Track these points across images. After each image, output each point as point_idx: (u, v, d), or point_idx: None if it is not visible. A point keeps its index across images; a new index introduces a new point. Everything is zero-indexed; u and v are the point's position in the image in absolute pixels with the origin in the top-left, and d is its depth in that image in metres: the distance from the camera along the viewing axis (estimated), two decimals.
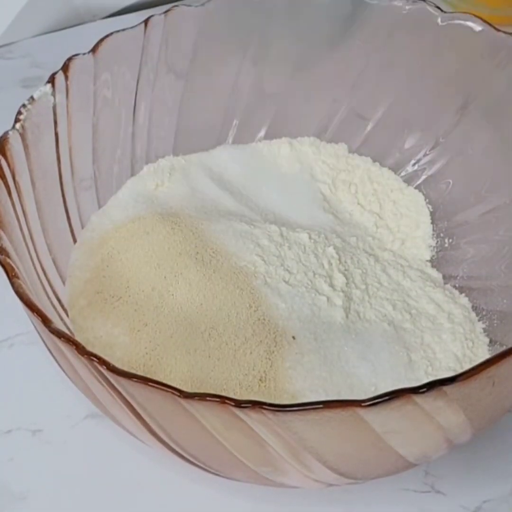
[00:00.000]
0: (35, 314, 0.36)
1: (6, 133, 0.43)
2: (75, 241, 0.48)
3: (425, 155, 0.53)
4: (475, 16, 0.50)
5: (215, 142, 0.54)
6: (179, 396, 0.32)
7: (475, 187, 0.50)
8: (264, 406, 0.32)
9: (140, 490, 0.43)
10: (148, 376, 0.34)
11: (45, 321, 0.35)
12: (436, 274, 0.49)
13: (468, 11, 0.51)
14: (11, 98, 0.50)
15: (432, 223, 0.51)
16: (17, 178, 0.43)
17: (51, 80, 0.46)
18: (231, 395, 0.33)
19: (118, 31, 0.49)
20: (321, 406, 0.32)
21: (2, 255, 0.38)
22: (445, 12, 0.50)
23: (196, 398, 0.32)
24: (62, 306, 0.45)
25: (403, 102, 0.53)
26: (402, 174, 0.53)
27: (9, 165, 0.42)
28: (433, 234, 0.51)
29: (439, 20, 0.50)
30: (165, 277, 0.45)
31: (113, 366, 0.33)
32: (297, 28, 0.53)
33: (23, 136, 0.44)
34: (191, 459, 0.37)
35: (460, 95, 0.51)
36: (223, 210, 0.50)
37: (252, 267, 0.45)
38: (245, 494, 0.42)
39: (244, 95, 0.54)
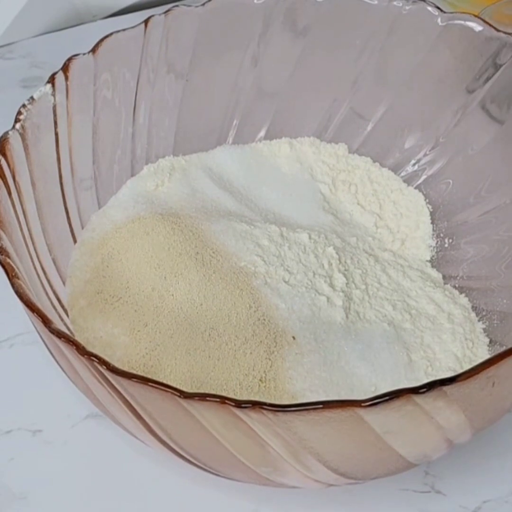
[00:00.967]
0: (35, 314, 0.36)
1: (6, 133, 0.43)
2: (75, 241, 0.48)
3: (425, 155, 0.53)
4: (475, 16, 0.50)
5: (215, 142, 0.54)
6: (179, 396, 0.32)
7: (475, 187, 0.50)
8: (264, 406, 0.32)
9: (140, 490, 0.43)
10: (148, 376, 0.34)
11: (45, 321, 0.35)
12: (436, 274, 0.49)
13: (468, 11, 0.51)
14: (11, 98, 0.50)
15: (432, 223, 0.51)
16: (17, 178, 0.43)
17: (51, 80, 0.46)
18: (231, 395, 0.33)
19: (118, 31, 0.49)
20: (321, 406, 0.32)
21: (2, 255, 0.38)
22: (445, 12, 0.50)
23: (196, 398, 0.32)
24: (62, 306, 0.45)
25: (403, 102, 0.53)
26: (402, 174, 0.53)
27: (9, 165, 0.42)
28: (433, 234, 0.51)
29: (439, 20, 0.50)
30: (165, 277, 0.45)
31: (113, 366, 0.33)
32: (297, 28, 0.53)
33: (23, 136, 0.44)
34: (191, 459, 0.37)
35: (460, 95, 0.51)
36: (223, 210, 0.50)
37: (252, 267, 0.45)
38: (245, 494, 0.42)
39: (244, 95, 0.54)
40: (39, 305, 0.37)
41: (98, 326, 0.44)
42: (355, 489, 0.41)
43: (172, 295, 0.44)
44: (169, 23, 0.50)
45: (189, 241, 0.46)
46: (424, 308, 0.46)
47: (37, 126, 0.45)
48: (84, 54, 0.48)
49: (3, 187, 0.41)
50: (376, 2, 0.52)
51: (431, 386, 0.32)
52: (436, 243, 0.50)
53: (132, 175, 0.52)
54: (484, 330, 0.45)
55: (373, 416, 0.32)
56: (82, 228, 0.49)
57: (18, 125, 0.44)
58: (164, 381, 0.33)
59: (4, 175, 0.42)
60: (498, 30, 0.49)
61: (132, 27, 0.50)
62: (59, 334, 0.35)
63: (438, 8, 0.50)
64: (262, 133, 0.55)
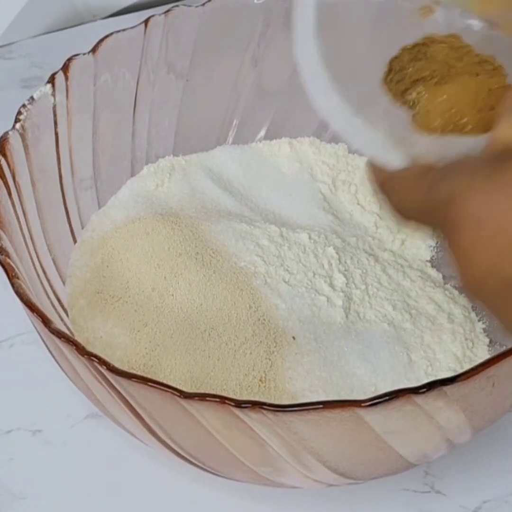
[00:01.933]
0: (35, 314, 0.36)
1: (6, 133, 0.43)
2: (75, 241, 0.48)
3: None
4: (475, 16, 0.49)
5: (215, 142, 0.54)
6: (179, 396, 0.32)
7: None
8: (264, 406, 0.32)
9: (140, 490, 0.43)
10: (148, 376, 0.34)
11: (45, 321, 0.35)
12: (436, 274, 0.49)
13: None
14: (11, 98, 0.50)
15: None
16: (17, 178, 0.43)
17: (51, 80, 0.46)
18: (231, 395, 0.33)
19: (118, 31, 0.49)
20: (321, 406, 0.32)
21: (2, 255, 0.38)
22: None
23: (196, 398, 0.32)
24: (62, 306, 0.45)
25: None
26: None
27: (9, 165, 0.42)
28: (433, 234, 0.51)
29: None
30: (165, 277, 0.45)
31: (113, 366, 0.33)
32: None
33: (23, 136, 0.44)
34: (191, 459, 0.37)
35: None
36: (223, 210, 0.50)
37: (252, 268, 0.45)
38: (245, 494, 0.42)
39: (244, 95, 0.54)
40: (39, 305, 0.37)
41: (98, 326, 0.44)
42: (355, 489, 0.41)
43: (172, 295, 0.44)
44: (169, 23, 0.50)
45: (189, 241, 0.46)
46: (424, 308, 0.46)
47: (37, 126, 0.45)
48: (84, 54, 0.48)
49: (3, 187, 0.41)
50: (375, 2, 0.52)
51: (431, 386, 0.32)
52: (436, 243, 0.50)
53: (132, 175, 0.52)
54: (484, 330, 0.45)
55: (373, 416, 0.32)
56: (82, 228, 0.49)
57: (18, 125, 0.44)
58: (164, 381, 0.33)
59: (4, 175, 0.42)
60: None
61: (132, 27, 0.50)
62: (59, 334, 0.35)
63: None
64: (262, 133, 0.55)
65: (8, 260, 0.38)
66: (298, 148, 0.54)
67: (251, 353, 0.42)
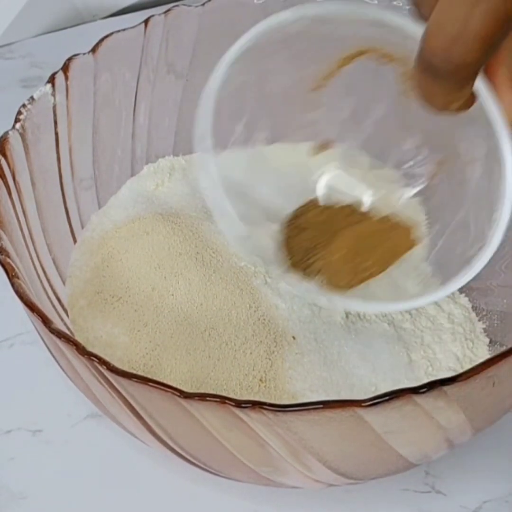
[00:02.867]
0: (35, 314, 0.36)
1: (6, 133, 0.43)
2: (75, 241, 0.48)
3: (425, 155, 0.53)
4: None
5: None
6: (179, 396, 0.32)
7: None
8: (264, 406, 0.32)
9: (140, 490, 0.43)
10: (148, 376, 0.34)
11: (45, 321, 0.35)
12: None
13: None
14: (11, 98, 0.50)
15: (432, 223, 0.51)
16: (17, 178, 0.43)
17: (51, 80, 0.46)
18: (231, 395, 0.33)
19: (118, 31, 0.49)
20: (321, 406, 0.32)
21: (2, 255, 0.38)
22: None
23: (196, 398, 0.32)
24: (62, 306, 0.45)
25: (403, 102, 0.53)
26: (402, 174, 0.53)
27: (9, 165, 0.42)
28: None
29: None
30: (165, 277, 0.45)
31: (113, 366, 0.33)
32: None
33: (23, 136, 0.44)
34: (191, 459, 0.37)
35: None
36: None
37: (252, 267, 0.45)
38: (245, 494, 0.42)
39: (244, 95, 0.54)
40: (39, 305, 0.37)
41: (98, 326, 0.44)
42: (355, 489, 0.41)
43: (172, 295, 0.44)
44: (169, 23, 0.50)
45: (189, 241, 0.46)
46: (424, 308, 0.46)
47: (37, 126, 0.45)
48: (84, 54, 0.48)
49: (3, 187, 0.41)
50: (376, 1, 0.52)
51: (431, 386, 0.32)
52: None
53: (132, 175, 0.52)
54: (484, 330, 0.45)
55: (373, 416, 0.32)
56: (82, 228, 0.49)
57: (18, 125, 0.44)
58: (164, 381, 0.33)
59: (4, 175, 0.42)
60: None
61: (132, 27, 0.50)
62: (59, 334, 0.35)
63: None
64: (262, 133, 0.55)
65: (8, 260, 0.38)
66: (298, 148, 0.54)
67: (251, 353, 0.42)
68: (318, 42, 0.39)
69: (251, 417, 0.32)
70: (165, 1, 0.72)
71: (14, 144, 0.43)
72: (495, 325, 0.45)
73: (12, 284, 0.37)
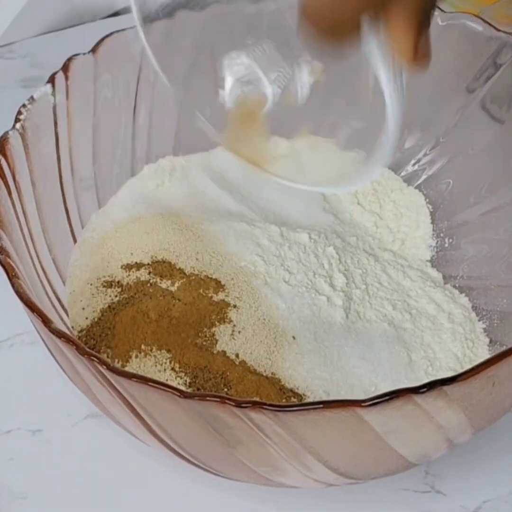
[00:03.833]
0: (35, 314, 0.36)
1: (6, 133, 0.43)
2: (75, 241, 0.48)
3: (425, 155, 0.53)
4: (475, 16, 0.50)
5: (215, 142, 0.54)
6: (179, 396, 0.32)
7: (475, 187, 0.50)
8: (264, 406, 0.32)
9: (140, 490, 0.43)
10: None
11: (45, 321, 0.35)
12: (436, 274, 0.49)
13: (468, 11, 0.51)
14: (11, 98, 0.50)
15: (432, 223, 0.51)
16: (17, 178, 0.43)
17: (51, 80, 0.46)
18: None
19: (118, 31, 0.49)
20: (321, 406, 0.32)
21: (2, 255, 0.38)
22: (445, 12, 0.50)
23: (196, 398, 0.32)
24: (62, 306, 0.45)
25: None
26: (402, 174, 0.53)
27: (9, 165, 0.42)
28: (433, 234, 0.51)
29: (439, 20, 0.50)
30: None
31: (113, 366, 0.33)
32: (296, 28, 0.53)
33: (23, 136, 0.44)
34: (191, 459, 0.37)
35: (460, 95, 0.51)
36: (223, 210, 0.50)
37: (252, 267, 0.45)
38: (245, 494, 0.42)
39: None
40: (39, 305, 0.37)
41: None
42: (355, 489, 0.41)
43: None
44: (169, 23, 0.50)
45: (189, 241, 0.46)
46: (424, 308, 0.46)
47: (37, 126, 0.45)
48: (84, 54, 0.48)
49: (3, 187, 0.41)
50: None
51: (431, 386, 0.32)
52: (436, 243, 0.50)
53: (132, 175, 0.52)
54: (484, 330, 0.45)
55: (373, 416, 0.32)
56: (82, 228, 0.49)
57: (18, 125, 0.44)
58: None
59: (4, 175, 0.42)
60: (498, 30, 0.49)
61: (132, 27, 0.50)
62: (59, 334, 0.35)
63: (439, 7, 0.50)
64: None
65: (8, 260, 0.38)
66: (298, 148, 0.54)
67: (251, 353, 0.42)
68: None
69: (251, 417, 0.32)
70: None
71: (14, 144, 0.43)
72: (495, 325, 0.45)
73: (12, 284, 0.37)
